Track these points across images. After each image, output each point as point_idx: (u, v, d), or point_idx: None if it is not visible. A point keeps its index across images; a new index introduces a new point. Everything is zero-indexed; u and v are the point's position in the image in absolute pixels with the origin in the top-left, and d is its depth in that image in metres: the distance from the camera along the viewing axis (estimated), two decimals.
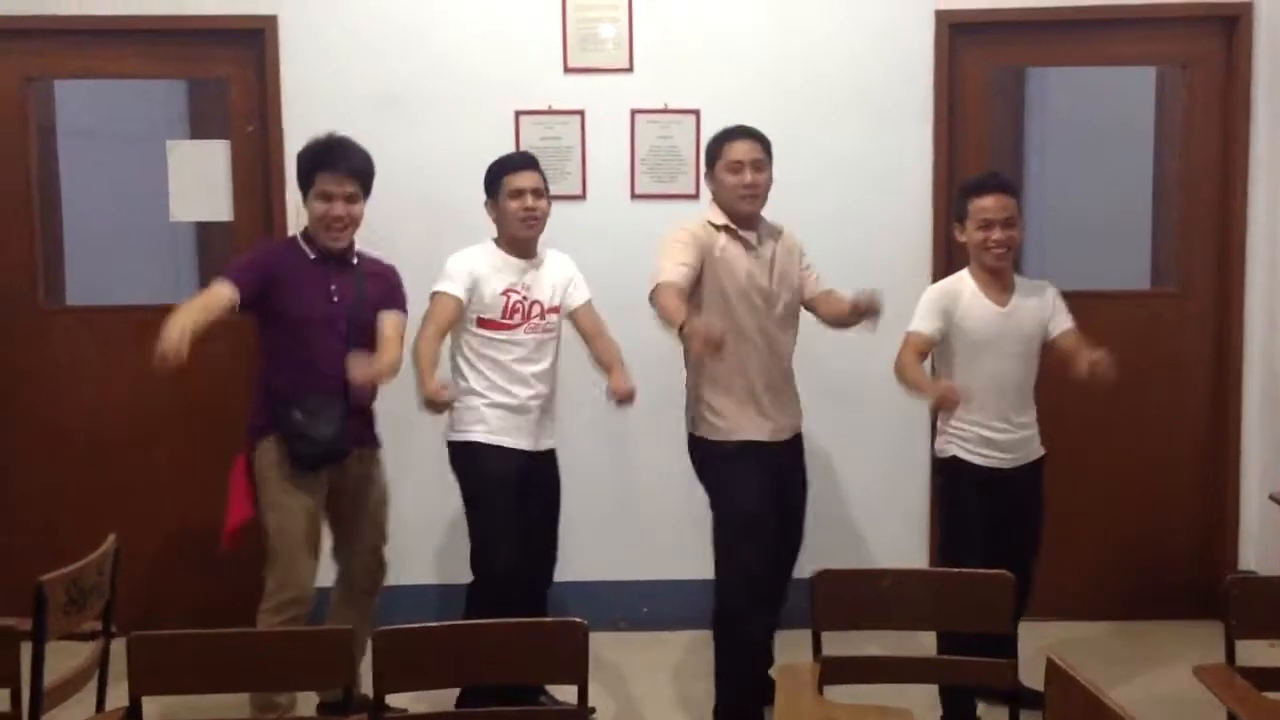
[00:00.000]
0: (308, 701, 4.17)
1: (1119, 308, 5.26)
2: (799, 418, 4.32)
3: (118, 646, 3.13)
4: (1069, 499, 4.75)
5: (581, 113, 5.18)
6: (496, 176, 4.26)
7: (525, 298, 4.21)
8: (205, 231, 5.78)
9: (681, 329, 3.67)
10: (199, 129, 5.80)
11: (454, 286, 4.14)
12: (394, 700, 2.95)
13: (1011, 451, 4.18)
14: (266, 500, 4.08)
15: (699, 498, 4.23)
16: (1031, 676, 2.91)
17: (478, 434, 4.18)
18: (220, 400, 5.14)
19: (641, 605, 5.32)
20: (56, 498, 5.26)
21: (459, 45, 5.15)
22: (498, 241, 4.29)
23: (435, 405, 3.99)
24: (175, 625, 3.01)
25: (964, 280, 4.21)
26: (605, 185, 5.21)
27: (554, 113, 5.17)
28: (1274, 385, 5.21)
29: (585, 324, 4.39)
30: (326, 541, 4.30)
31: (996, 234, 4.12)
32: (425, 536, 5.18)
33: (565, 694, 3.43)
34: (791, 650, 3.93)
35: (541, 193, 4.25)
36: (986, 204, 4.14)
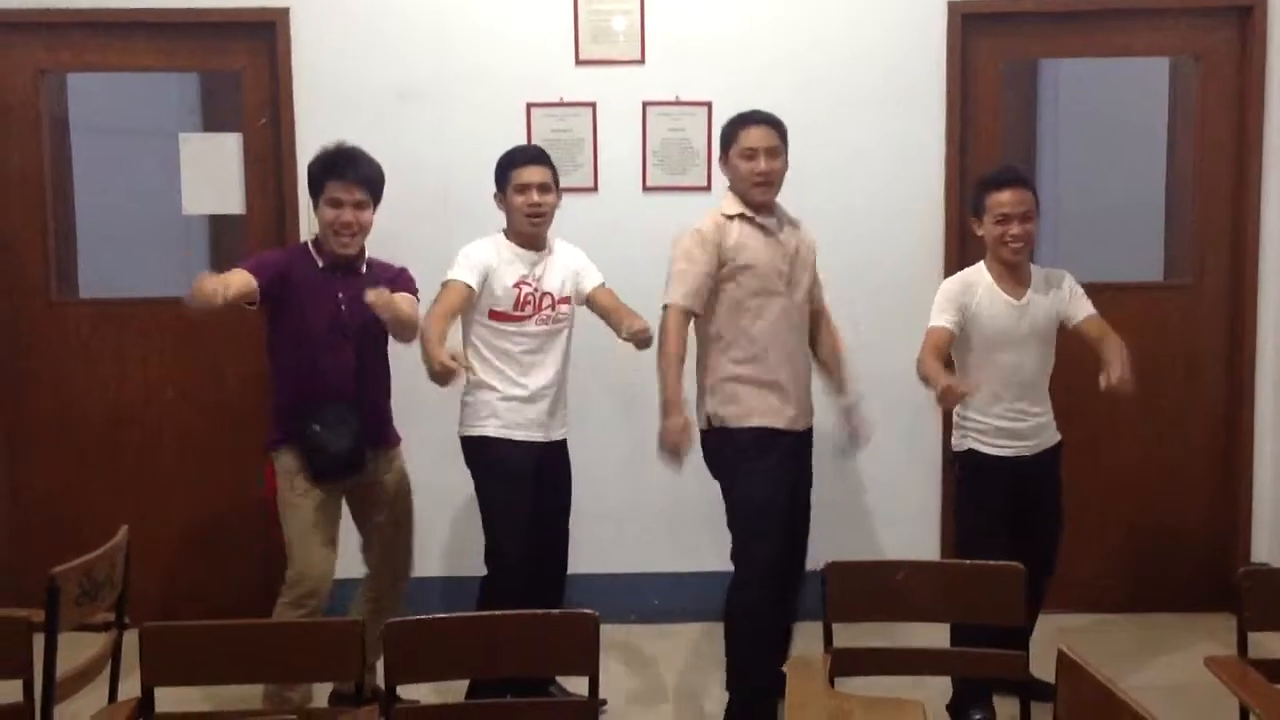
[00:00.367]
0: (320, 692, 4.18)
1: (1132, 300, 5.24)
2: (811, 409, 4.28)
3: (130, 638, 3.14)
4: (1082, 490, 4.74)
5: (593, 105, 5.17)
6: (505, 170, 4.26)
7: (536, 289, 4.21)
8: (217, 224, 5.81)
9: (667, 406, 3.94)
10: (211, 122, 5.83)
11: (467, 275, 4.13)
12: (405, 691, 2.96)
13: (1028, 439, 4.19)
14: (283, 501, 4.12)
15: (710, 490, 4.21)
16: (1043, 668, 2.91)
17: (490, 428, 4.18)
18: (231, 393, 5.17)
19: (652, 597, 5.32)
20: (69, 490, 5.27)
21: (470, 37, 5.15)
22: (506, 234, 4.29)
23: (445, 374, 3.88)
24: (187, 617, 3.04)
25: (981, 273, 4.21)
26: (617, 178, 5.20)
27: (566, 105, 5.17)
28: None
29: (605, 301, 4.33)
30: (347, 538, 4.31)
31: (1014, 229, 4.11)
32: (433, 529, 5.18)
33: (576, 685, 3.44)
34: (803, 642, 3.94)
35: (549, 187, 4.24)
36: (1004, 199, 4.13)
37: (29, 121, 5.20)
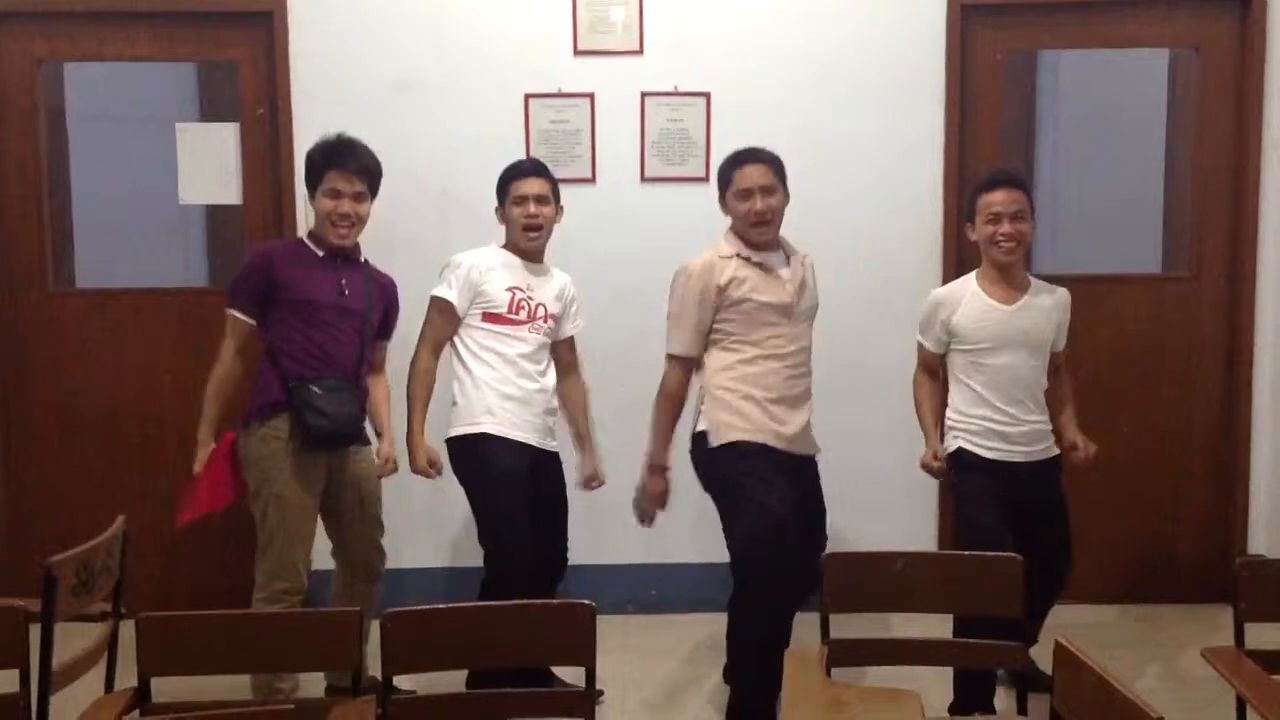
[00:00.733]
0: (316, 684, 4.17)
1: (1130, 292, 5.24)
2: (813, 441, 4.20)
3: (127, 628, 3.13)
4: (1079, 483, 4.72)
5: (591, 96, 5.16)
6: (504, 183, 4.26)
7: (530, 298, 4.20)
8: (214, 214, 5.80)
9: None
10: (209, 112, 5.81)
11: (452, 294, 4.15)
12: (402, 682, 2.96)
13: (1019, 445, 4.11)
14: (267, 491, 4.03)
15: None
16: (1040, 659, 2.91)
17: (487, 426, 4.14)
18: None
19: (649, 588, 5.33)
20: (65, 479, 5.27)
21: (468, 28, 5.14)
22: (505, 246, 4.29)
23: (425, 472, 4.20)
24: (184, 607, 3.03)
25: (967, 283, 4.18)
26: (615, 168, 5.19)
27: (564, 96, 5.16)
28: None
29: (564, 355, 4.40)
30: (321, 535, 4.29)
31: (1005, 227, 4.07)
32: (433, 519, 5.18)
33: (573, 676, 3.43)
34: (801, 633, 3.93)
35: (546, 199, 4.23)
36: (995, 198, 4.10)
37: (26, 111, 5.19)
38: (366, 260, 4.24)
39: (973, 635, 3.47)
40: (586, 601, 2.90)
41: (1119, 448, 5.29)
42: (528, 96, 5.14)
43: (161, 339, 5.25)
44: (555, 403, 4.32)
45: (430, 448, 4.22)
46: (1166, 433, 5.35)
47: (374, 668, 3.05)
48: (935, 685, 4.06)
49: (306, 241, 4.17)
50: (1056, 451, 4.23)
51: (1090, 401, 4.96)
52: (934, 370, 4.29)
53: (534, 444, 4.20)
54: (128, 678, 3.03)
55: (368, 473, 4.28)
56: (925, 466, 4.25)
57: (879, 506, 5.29)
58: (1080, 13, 5.23)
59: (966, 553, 3.63)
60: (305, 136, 4.24)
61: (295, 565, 4.03)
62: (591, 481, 4.47)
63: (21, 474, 5.29)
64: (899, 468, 5.24)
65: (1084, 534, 5.03)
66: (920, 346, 4.27)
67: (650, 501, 4.17)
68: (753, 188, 4.02)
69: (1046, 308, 4.16)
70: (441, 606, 2.97)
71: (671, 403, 4.09)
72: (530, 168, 4.31)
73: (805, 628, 3.52)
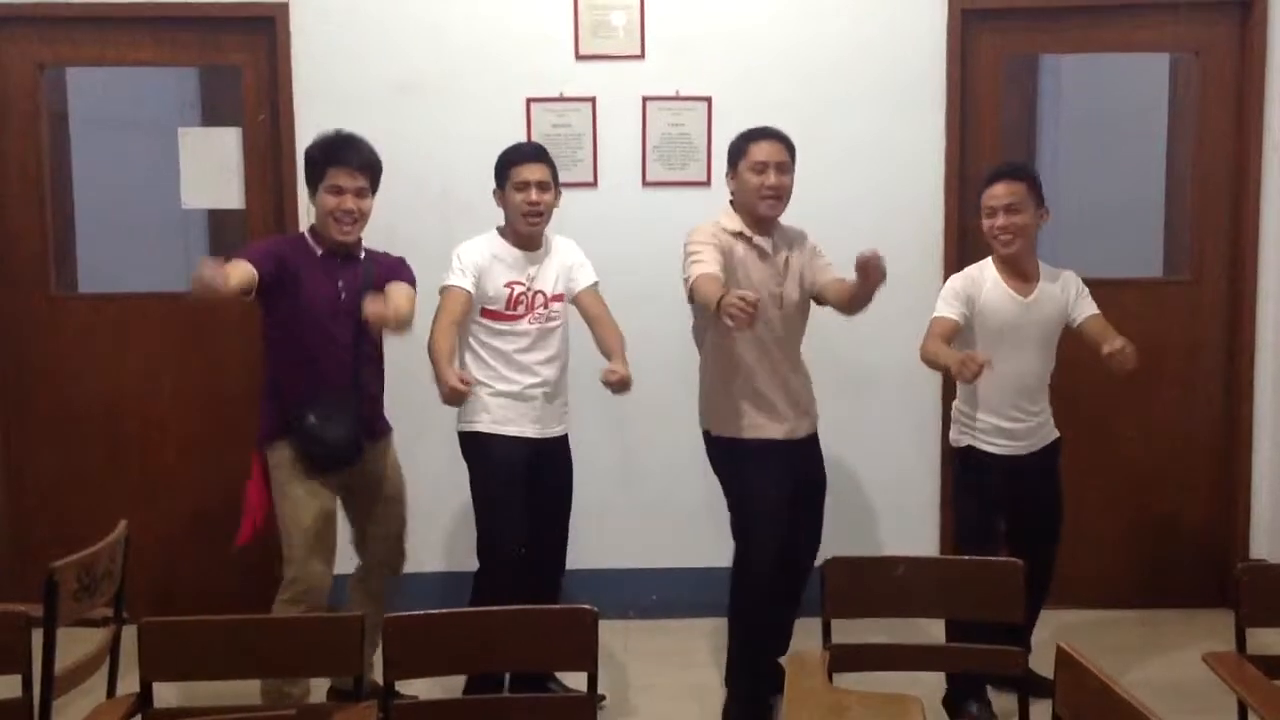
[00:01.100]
0: (319, 688, 4.18)
1: (1131, 296, 5.23)
2: (814, 416, 4.28)
3: (129, 633, 3.14)
4: (1081, 486, 4.74)
5: (593, 100, 5.17)
6: (504, 167, 4.25)
7: (528, 289, 4.20)
8: (217, 219, 5.80)
9: (719, 304, 3.56)
10: (211, 116, 5.82)
11: (463, 280, 4.14)
12: (404, 687, 2.96)
13: (1026, 439, 4.18)
14: (280, 495, 4.08)
15: (709, 485, 4.23)
16: (1042, 664, 2.91)
17: (482, 423, 4.18)
18: (230, 387, 5.17)
19: (651, 593, 5.32)
20: (68, 484, 5.27)
21: (470, 32, 5.14)
22: (503, 231, 4.28)
23: (455, 396, 3.95)
24: (186, 612, 3.02)
25: (986, 268, 4.20)
26: (616, 172, 5.20)
27: (565, 100, 5.16)
28: None
29: (588, 307, 4.35)
30: (343, 532, 4.31)
31: (1000, 220, 4.11)
32: (433, 523, 5.19)
33: (574, 681, 3.44)
34: (802, 638, 3.94)
35: (547, 185, 4.23)
36: (994, 192, 4.15)
37: (28, 116, 5.20)
38: (367, 252, 4.23)
39: (966, 639, 3.48)
40: (588, 607, 2.90)
41: (1120, 452, 5.30)
42: (529, 100, 5.15)
43: (163, 343, 5.25)
44: (563, 388, 4.32)
45: (459, 370, 4.04)
46: (1168, 437, 5.35)
47: (378, 672, 3.04)
48: (936, 690, 4.07)
49: (308, 238, 4.17)
50: (1057, 435, 4.30)
51: (1091, 405, 4.99)
52: (946, 341, 4.07)
53: (532, 435, 4.22)
54: (130, 683, 3.04)
55: (387, 469, 4.31)
56: (963, 367, 3.81)
57: (879, 506, 5.30)
58: (1081, 17, 5.23)
59: (967, 558, 3.64)
60: (307, 141, 4.24)
61: (317, 573, 4.06)
62: (617, 383, 4.09)
63: (23, 477, 5.29)
64: (899, 468, 5.27)
65: (1086, 538, 5.06)
66: (936, 320, 4.12)
67: (730, 312, 3.54)
68: (768, 161, 4.05)
69: (1056, 297, 4.20)
70: (443, 611, 2.97)
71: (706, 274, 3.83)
72: (532, 152, 4.30)
73: (807, 633, 3.52)
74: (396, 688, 2.97)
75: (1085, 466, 4.96)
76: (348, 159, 4.08)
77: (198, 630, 3.01)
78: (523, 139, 5.00)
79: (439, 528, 5.25)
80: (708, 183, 5.10)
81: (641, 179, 5.20)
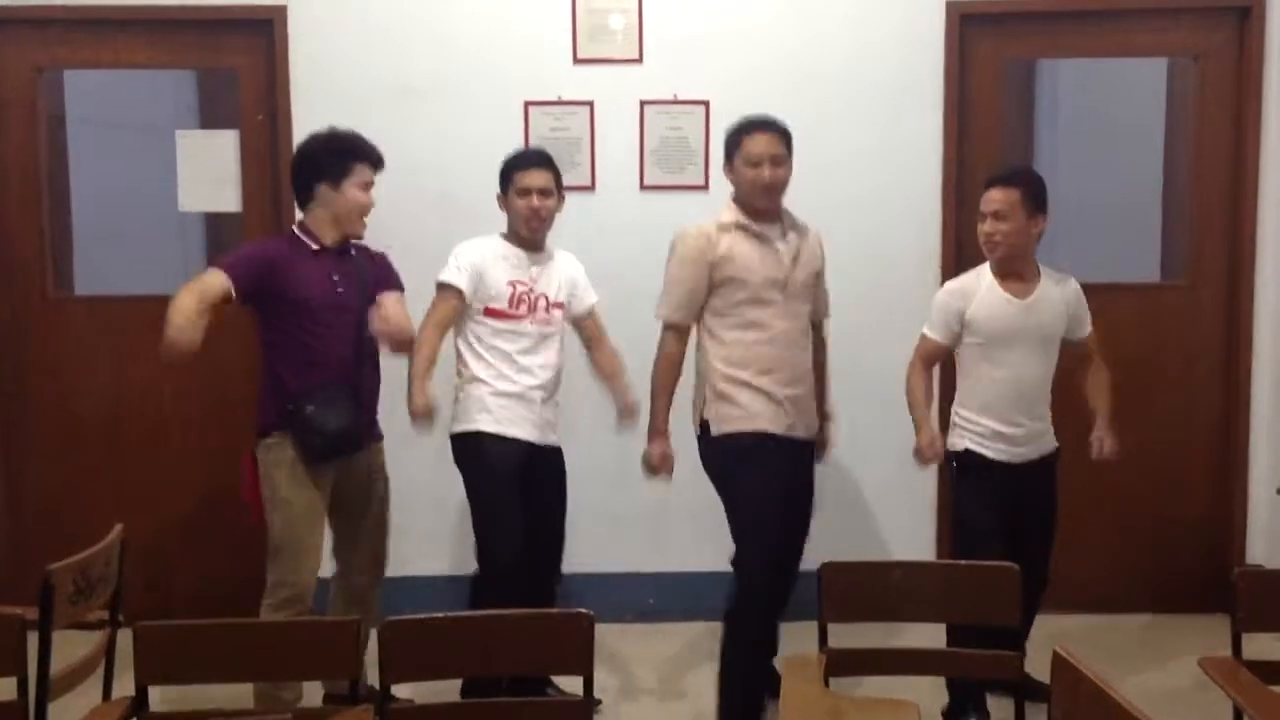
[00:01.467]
0: (313, 692, 4.17)
1: (1129, 300, 5.24)
2: (814, 419, 4.22)
3: (124, 636, 3.13)
4: (1077, 492, 4.73)
5: (591, 104, 5.17)
6: (508, 171, 4.26)
7: (531, 290, 4.21)
8: (214, 222, 5.79)
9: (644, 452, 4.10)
10: (208, 119, 5.82)
11: (457, 277, 4.15)
12: (399, 691, 2.96)
13: (1025, 445, 4.17)
14: (272, 497, 4.05)
15: (705, 489, 4.21)
16: (1038, 669, 2.91)
17: (482, 423, 4.17)
18: (228, 389, 5.15)
19: (647, 597, 5.32)
20: (64, 487, 5.27)
21: (468, 35, 5.15)
22: (507, 235, 4.29)
23: (420, 416, 4.08)
24: (182, 615, 3.03)
25: (982, 275, 4.20)
26: (614, 176, 5.20)
27: (563, 104, 5.16)
28: None
29: (589, 330, 4.42)
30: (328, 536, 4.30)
31: (986, 225, 4.13)
32: (433, 526, 5.19)
33: (571, 685, 3.43)
34: (798, 642, 3.93)
35: (550, 191, 4.24)
36: (987, 196, 4.18)
37: (26, 118, 5.20)
38: (354, 246, 4.24)
39: (966, 644, 3.48)
40: (585, 611, 2.90)
41: (1117, 457, 5.30)
42: (527, 104, 5.15)
43: (160, 345, 5.23)
44: (557, 396, 4.32)
45: (430, 396, 4.13)
46: (1164, 442, 5.34)
47: (372, 676, 3.04)
48: (932, 695, 4.07)
49: (299, 235, 4.16)
50: (1055, 445, 4.29)
51: (1087, 410, 4.97)
52: (933, 363, 4.29)
53: (532, 440, 4.22)
54: (125, 686, 3.03)
55: (376, 482, 4.30)
56: (922, 453, 4.18)
57: (876, 509, 5.30)
58: (1079, 22, 5.24)
59: (963, 562, 3.64)
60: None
61: (302, 574, 4.04)
62: (629, 415, 4.43)
63: (20, 480, 5.29)
64: (897, 471, 5.25)
65: (1081, 543, 5.06)
66: (924, 338, 4.23)
67: (653, 467, 4.14)
68: (763, 155, 4.01)
69: (1056, 300, 4.19)
70: (440, 615, 2.97)
71: (667, 367, 4.08)
72: (535, 159, 4.31)
73: (803, 637, 3.51)
74: (392, 691, 2.96)
75: (1081, 471, 4.94)
76: (376, 158, 4.19)
77: (194, 634, 3.00)
78: (520, 142, 5.00)
79: (437, 531, 5.23)
80: (705, 187, 5.10)
81: (639, 183, 5.20)
